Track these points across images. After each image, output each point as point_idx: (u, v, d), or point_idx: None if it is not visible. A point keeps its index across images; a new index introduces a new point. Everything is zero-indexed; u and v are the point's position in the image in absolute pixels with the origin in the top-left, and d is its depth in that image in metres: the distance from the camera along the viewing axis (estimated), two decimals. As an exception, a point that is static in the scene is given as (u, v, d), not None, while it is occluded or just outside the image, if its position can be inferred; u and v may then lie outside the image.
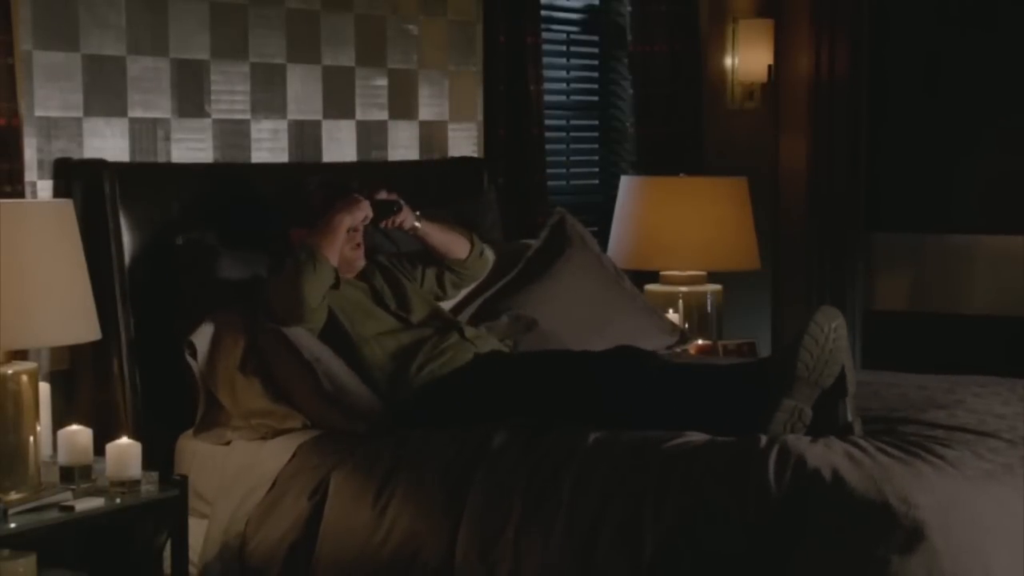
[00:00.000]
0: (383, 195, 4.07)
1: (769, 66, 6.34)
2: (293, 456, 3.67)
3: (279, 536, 3.55)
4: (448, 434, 3.56)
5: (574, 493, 3.24)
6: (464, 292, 4.43)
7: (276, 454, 3.70)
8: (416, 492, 3.42)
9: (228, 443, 3.80)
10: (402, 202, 4.08)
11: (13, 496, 3.19)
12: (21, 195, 3.66)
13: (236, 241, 4.09)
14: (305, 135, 4.58)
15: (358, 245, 4.02)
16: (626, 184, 5.51)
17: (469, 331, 4.06)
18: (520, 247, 4.82)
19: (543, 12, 5.47)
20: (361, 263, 4.07)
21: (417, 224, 4.14)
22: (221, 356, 3.81)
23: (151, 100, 4.12)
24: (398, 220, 4.09)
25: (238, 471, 3.73)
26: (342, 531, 3.47)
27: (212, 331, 3.83)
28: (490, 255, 4.37)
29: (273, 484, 3.64)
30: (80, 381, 3.87)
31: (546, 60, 5.49)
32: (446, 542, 3.32)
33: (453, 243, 4.27)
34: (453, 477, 3.41)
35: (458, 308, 4.46)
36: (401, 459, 3.51)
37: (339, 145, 4.70)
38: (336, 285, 3.90)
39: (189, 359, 3.79)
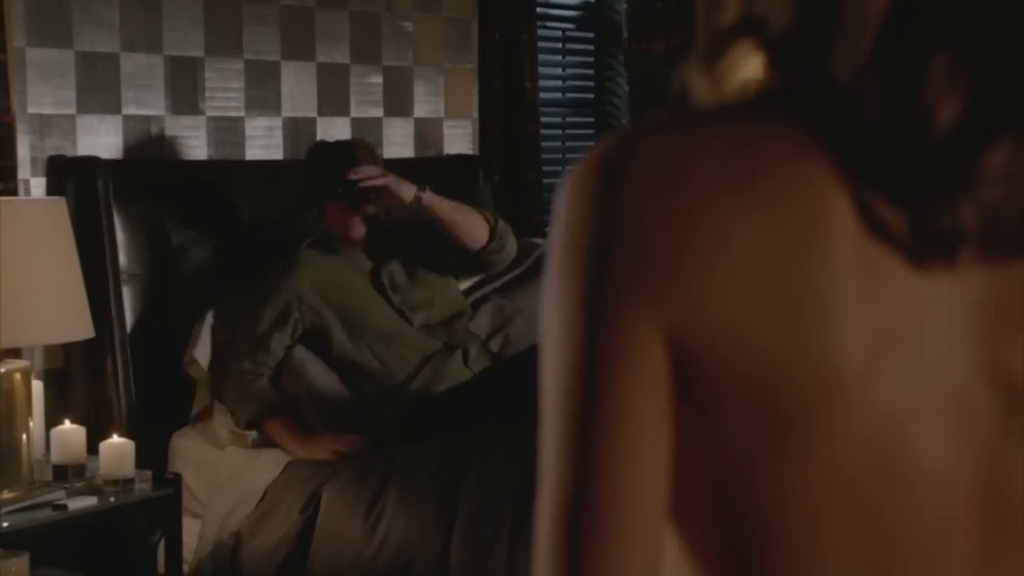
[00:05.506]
0: (363, 174, 3.87)
1: (765, 63, 6.33)
2: (284, 469, 3.67)
3: (271, 548, 3.54)
4: (437, 443, 3.54)
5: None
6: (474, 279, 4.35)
7: (267, 467, 3.70)
8: (408, 503, 3.41)
9: (222, 448, 3.79)
10: (382, 181, 3.88)
11: (6, 495, 3.17)
12: (14, 193, 3.65)
13: (232, 238, 4.08)
14: (300, 132, 4.56)
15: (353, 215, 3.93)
16: (622, 181, 5.49)
17: (472, 355, 3.94)
18: (528, 246, 4.79)
19: (539, 9, 5.46)
20: (358, 231, 3.96)
21: (421, 195, 3.91)
22: (223, 364, 3.85)
23: (145, 97, 4.11)
24: (377, 198, 3.92)
25: (230, 477, 3.72)
26: (335, 545, 3.46)
27: (210, 340, 3.85)
28: (512, 247, 4.08)
29: (263, 496, 3.64)
30: (73, 379, 3.85)
31: (542, 57, 5.48)
32: (439, 552, 3.31)
33: (468, 224, 3.98)
34: (444, 486, 3.39)
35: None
36: (392, 471, 3.51)
37: (334, 142, 4.68)
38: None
39: (198, 369, 3.81)
